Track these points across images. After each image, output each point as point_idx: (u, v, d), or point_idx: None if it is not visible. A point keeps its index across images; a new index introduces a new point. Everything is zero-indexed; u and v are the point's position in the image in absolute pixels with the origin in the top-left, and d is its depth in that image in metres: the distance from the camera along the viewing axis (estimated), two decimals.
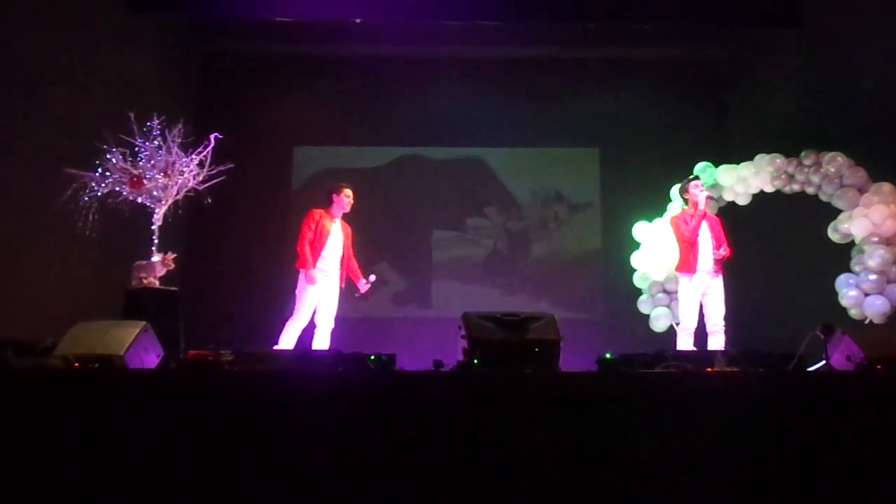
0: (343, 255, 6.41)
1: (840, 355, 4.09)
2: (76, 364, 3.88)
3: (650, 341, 6.84)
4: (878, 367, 3.86)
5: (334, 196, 6.47)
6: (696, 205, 6.27)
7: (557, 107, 9.12)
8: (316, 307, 6.30)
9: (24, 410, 3.39)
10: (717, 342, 6.10)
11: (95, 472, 3.32)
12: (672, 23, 7.91)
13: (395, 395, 3.54)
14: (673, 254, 6.63)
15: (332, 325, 6.33)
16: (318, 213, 6.42)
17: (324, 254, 6.31)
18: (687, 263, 6.22)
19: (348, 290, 6.53)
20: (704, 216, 6.26)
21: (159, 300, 5.49)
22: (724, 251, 6.11)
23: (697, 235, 6.18)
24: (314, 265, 6.23)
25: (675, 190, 7.06)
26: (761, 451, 3.43)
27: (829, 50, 7.35)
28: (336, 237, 6.39)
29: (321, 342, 6.26)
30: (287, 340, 6.19)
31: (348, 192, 6.47)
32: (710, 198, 6.46)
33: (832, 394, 3.61)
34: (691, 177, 6.54)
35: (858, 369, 3.92)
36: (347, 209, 6.46)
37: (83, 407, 3.41)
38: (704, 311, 6.23)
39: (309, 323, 6.30)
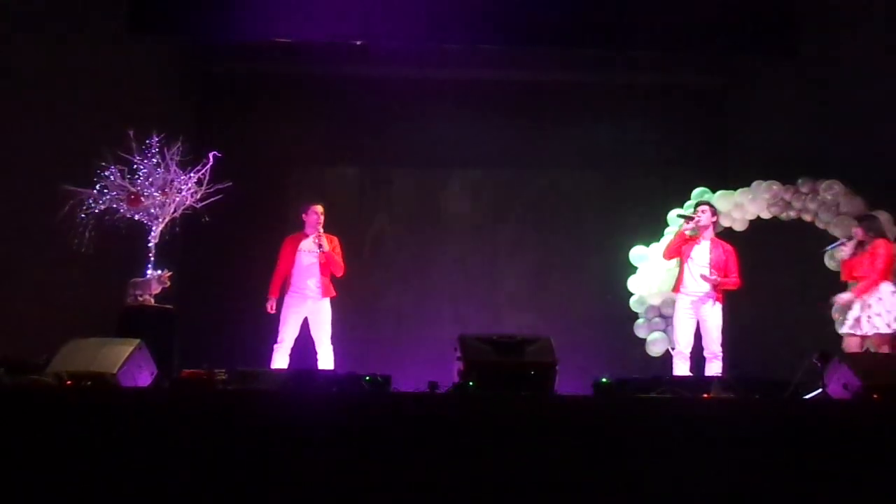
0: (320, 272, 6.36)
1: (836, 383, 4.08)
2: (69, 382, 3.86)
3: (647, 366, 6.83)
4: (875, 395, 3.85)
5: (304, 216, 6.52)
6: (701, 228, 6.38)
7: (556, 131, 9.14)
8: (311, 329, 6.34)
9: (15, 428, 3.36)
10: (713, 368, 6.10)
11: (87, 492, 3.29)
12: (670, 51, 7.97)
13: (389, 417, 3.52)
14: (670, 277, 6.73)
15: (328, 345, 6.31)
16: (287, 239, 6.52)
17: (296, 277, 6.34)
18: (676, 282, 6.41)
19: (343, 309, 6.54)
20: (681, 236, 6.41)
21: (154, 318, 5.48)
22: (714, 276, 6.15)
23: (672, 256, 6.46)
24: (280, 292, 6.36)
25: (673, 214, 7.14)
26: (756, 479, 3.40)
27: (826, 78, 7.39)
28: (309, 256, 6.37)
29: (324, 363, 6.26)
30: (276, 364, 6.19)
31: (317, 208, 6.46)
32: (690, 220, 6.47)
33: (828, 422, 3.60)
34: (699, 201, 6.65)
35: (855, 398, 3.91)
36: (318, 227, 6.41)
37: (74, 425, 3.38)
38: (702, 337, 6.26)
39: (313, 345, 6.37)
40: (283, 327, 6.31)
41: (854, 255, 6.12)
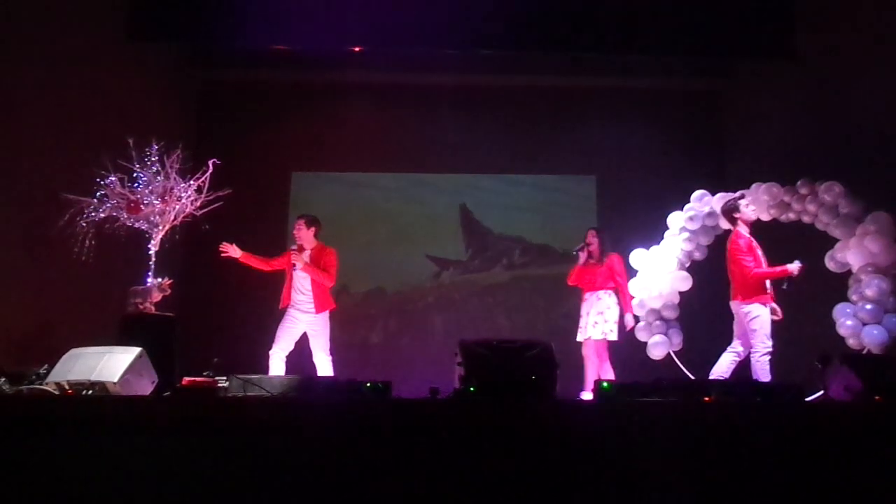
0: (312, 286, 6.30)
1: (838, 385, 4.07)
2: (69, 391, 3.86)
3: (646, 369, 6.81)
4: (877, 397, 3.85)
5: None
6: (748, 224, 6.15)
7: (556, 134, 9.16)
8: (309, 343, 6.33)
9: (16, 437, 3.36)
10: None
11: (88, 502, 3.29)
12: (670, 54, 7.98)
13: (389, 423, 3.51)
14: (687, 282, 7.04)
15: (326, 357, 6.25)
16: (289, 250, 6.43)
17: (291, 292, 6.31)
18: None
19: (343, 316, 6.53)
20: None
21: (155, 326, 5.46)
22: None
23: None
24: (282, 304, 6.34)
25: (673, 217, 7.15)
26: (758, 481, 3.40)
27: (824, 80, 7.40)
28: (299, 272, 6.29)
29: (322, 373, 6.23)
30: (273, 368, 6.16)
31: (298, 223, 6.42)
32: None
33: (830, 424, 3.59)
34: (738, 194, 6.47)
35: (856, 400, 3.90)
36: (298, 239, 6.37)
37: (75, 434, 3.38)
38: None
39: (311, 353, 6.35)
40: (278, 335, 6.28)
41: (586, 264, 6.74)
